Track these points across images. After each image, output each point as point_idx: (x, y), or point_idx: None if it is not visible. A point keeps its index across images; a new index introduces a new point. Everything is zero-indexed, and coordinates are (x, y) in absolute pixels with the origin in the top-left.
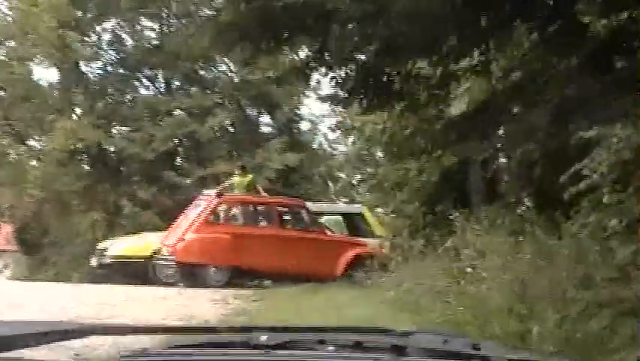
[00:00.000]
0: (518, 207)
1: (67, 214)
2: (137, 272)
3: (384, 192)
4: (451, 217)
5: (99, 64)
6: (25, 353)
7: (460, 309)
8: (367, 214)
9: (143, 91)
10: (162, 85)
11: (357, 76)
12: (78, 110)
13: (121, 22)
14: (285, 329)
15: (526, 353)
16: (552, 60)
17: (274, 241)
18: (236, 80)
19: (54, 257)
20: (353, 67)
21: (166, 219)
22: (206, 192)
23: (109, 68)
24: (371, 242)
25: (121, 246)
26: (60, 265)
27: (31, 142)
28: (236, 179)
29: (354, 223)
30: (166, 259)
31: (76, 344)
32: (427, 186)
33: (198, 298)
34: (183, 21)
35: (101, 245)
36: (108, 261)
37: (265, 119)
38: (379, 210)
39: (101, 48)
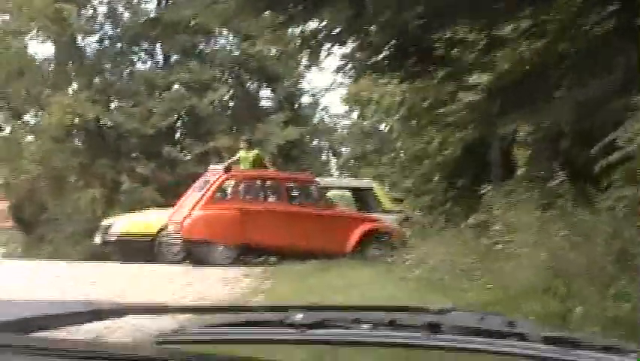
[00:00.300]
0: (547, 181)
1: (64, 191)
2: (141, 250)
3: (400, 167)
4: (479, 192)
5: (96, 37)
6: (60, 333)
7: (489, 287)
8: (377, 189)
9: (140, 65)
10: (160, 59)
11: (398, 42)
12: (75, 85)
13: None
14: (320, 308)
15: (563, 332)
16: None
17: (283, 217)
18: (236, 53)
19: (51, 235)
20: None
21: (166, 195)
22: (212, 167)
23: (106, 42)
24: (382, 218)
25: (126, 223)
26: (57, 242)
27: (27, 118)
28: (241, 154)
29: (363, 199)
30: (172, 237)
31: (95, 325)
32: (448, 160)
33: (208, 277)
34: None
35: (105, 222)
36: (113, 238)
37: (265, 93)
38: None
39: (97, 22)
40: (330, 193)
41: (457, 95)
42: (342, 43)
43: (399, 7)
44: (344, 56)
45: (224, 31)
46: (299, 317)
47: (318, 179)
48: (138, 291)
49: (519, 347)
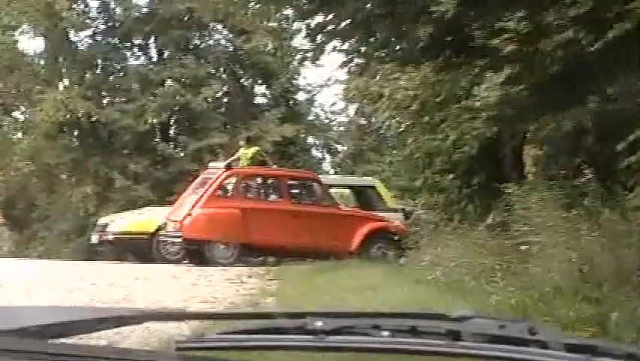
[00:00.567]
0: (568, 180)
1: (56, 188)
2: (139, 249)
3: (411, 164)
4: (494, 190)
5: (88, 32)
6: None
7: (511, 290)
8: (380, 187)
9: (134, 61)
10: (154, 54)
11: (434, 32)
12: (66, 81)
13: None
14: (339, 315)
15: (586, 339)
16: None
17: (285, 216)
18: (231, 49)
19: (42, 233)
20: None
21: (159, 192)
22: (213, 165)
23: (98, 37)
24: (387, 216)
25: (123, 222)
26: (49, 241)
27: (18, 114)
28: (242, 151)
29: (365, 197)
30: (171, 236)
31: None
32: (464, 157)
33: (211, 277)
34: None
35: (101, 221)
36: (110, 237)
37: (260, 89)
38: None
39: (90, 16)
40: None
41: (474, 90)
42: (349, 37)
43: None
44: (352, 51)
45: (219, 27)
46: (318, 323)
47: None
48: (144, 292)
49: (540, 355)
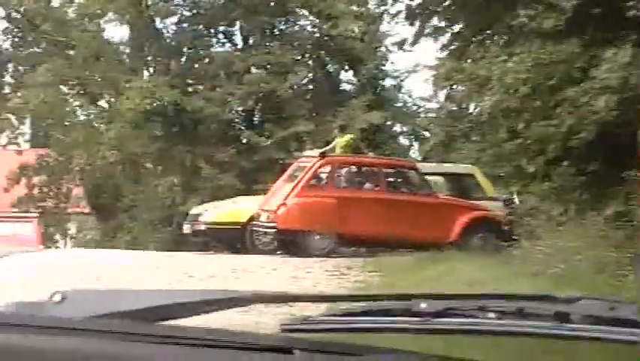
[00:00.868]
0: None
1: (141, 178)
2: (231, 239)
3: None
4: (612, 178)
5: (174, 20)
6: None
7: None
8: (478, 175)
9: (219, 48)
10: (239, 41)
11: (582, 2)
12: (152, 69)
13: None
14: (445, 296)
15: None
16: None
17: (381, 205)
18: (317, 34)
19: (128, 222)
20: None
21: (245, 181)
22: (307, 153)
23: (184, 24)
24: (489, 205)
25: (215, 212)
26: (136, 230)
27: (103, 103)
28: (337, 140)
29: (462, 185)
30: (265, 226)
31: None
32: (580, 143)
33: (310, 269)
34: None
35: (193, 211)
36: (202, 228)
37: (346, 76)
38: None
39: (175, 3)
40: None
41: (591, 72)
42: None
43: None
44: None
45: (305, 12)
46: (423, 305)
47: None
48: (245, 284)
49: None
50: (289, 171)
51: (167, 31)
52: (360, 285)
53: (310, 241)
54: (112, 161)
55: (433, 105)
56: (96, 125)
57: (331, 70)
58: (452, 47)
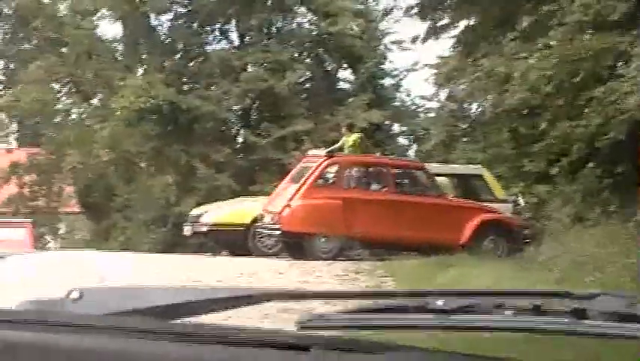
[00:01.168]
0: None
1: (135, 177)
2: (233, 241)
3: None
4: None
5: (169, 16)
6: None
7: None
8: (488, 176)
9: (215, 45)
10: (236, 38)
11: None
12: (146, 67)
13: None
14: (461, 293)
15: None
16: None
17: (389, 207)
18: (315, 32)
19: (122, 223)
20: None
21: (242, 181)
22: (312, 152)
23: (179, 21)
24: (495, 207)
25: (217, 213)
26: (130, 231)
27: (96, 101)
28: (344, 139)
29: (471, 186)
30: (269, 228)
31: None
32: (607, 144)
33: (318, 273)
34: None
35: (194, 212)
36: (204, 229)
37: (344, 74)
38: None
39: (171, 0)
40: None
41: (619, 69)
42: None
43: None
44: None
45: (303, 9)
46: (440, 302)
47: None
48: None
49: None
50: (294, 171)
51: (162, 28)
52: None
53: (316, 243)
54: (105, 160)
55: (433, 105)
56: (89, 123)
57: (329, 68)
58: (462, 44)
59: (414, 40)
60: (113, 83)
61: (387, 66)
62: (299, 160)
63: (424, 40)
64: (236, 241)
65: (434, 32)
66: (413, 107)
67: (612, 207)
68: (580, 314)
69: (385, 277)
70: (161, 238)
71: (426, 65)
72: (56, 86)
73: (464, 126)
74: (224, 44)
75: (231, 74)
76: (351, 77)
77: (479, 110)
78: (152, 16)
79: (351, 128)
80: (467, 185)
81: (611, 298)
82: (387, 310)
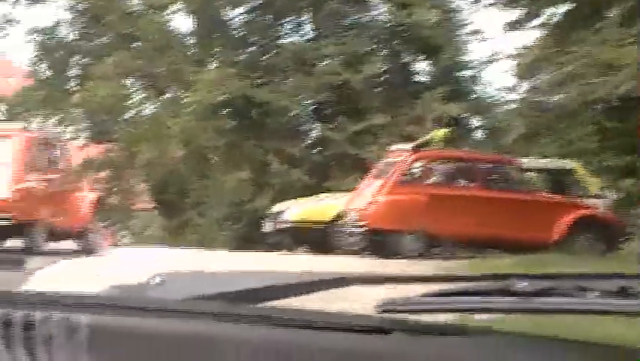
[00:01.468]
0: None
1: (208, 172)
2: (315, 239)
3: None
4: None
5: (242, 9)
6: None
7: None
8: (580, 171)
9: (289, 38)
10: (310, 31)
11: None
12: (220, 61)
13: None
14: (544, 276)
15: None
16: None
17: (477, 203)
18: (391, 23)
19: (195, 219)
20: None
21: (316, 177)
22: (397, 147)
23: (252, 14)
24: (593, 203)
25: (299, 210)
26: (204, 228)
27: (170, 96)
28: (432, 133)
29: (562, 181)
30: (353, 225)
31: None
32: None
33: (412, 273)
34: None
35: (274, 209)
36: (285, 226)
37: (421, 66)
38: None
39: None
40: None
41: None
42: None
43: None
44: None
45: (378, 0)
46: (523, 284)
47: None
48: (350, 290)
49: None
50: (378, 166)
51: (235, 22)
52: None
53: (401, 241)
54: (179, 155)
55: (513, 97)
56: (162, 118)
57: (406, 60)
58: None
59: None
60: (185, 77)
61: (465, 58)
62: (377, 155)
63: (516, 27)
64: (317, 238)
65: (528, 18)
66: (491, 100)
67: None
68: None
69: None
70: (234, 235)
71: (507, 55)
72: (129, 82)
73: (546, 119)
74: (297, 37)
75: (305, 67)
76: (428, 70)
77: (562, 102)
78: (226, 9)
79: (440, 121)
80: (557, 180)
81: None
82: (468, 293)
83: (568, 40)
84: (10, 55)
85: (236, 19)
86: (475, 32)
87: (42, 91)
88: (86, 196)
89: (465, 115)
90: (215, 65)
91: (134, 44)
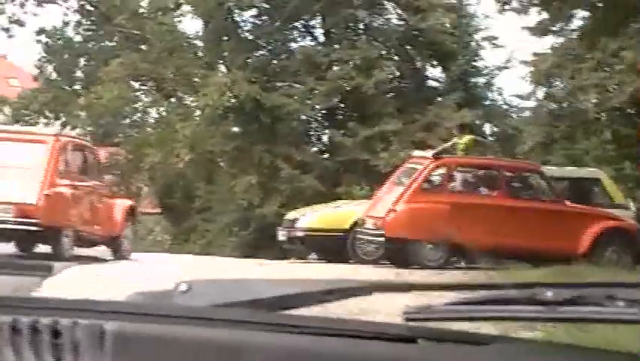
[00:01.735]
0: None
1: (217, 178)
2: (330, 247)
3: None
4: None
5: (253, 12)
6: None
7: None
8: (605, 180)
9: (300, 42)
10: (321, 35)
11: None
12: (229, 64)
13: None
14: (570, 285)
15: None
16: None
17: (500, 212)
18: (404, 28)
19: (202, 225)
20: None
21: (327, 183)
22: (418, 153)
23: (263, 17)
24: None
25: (314, 217)
26: (211, 234)
27: (178, 99)
28: (454, 140)
29: (585, 191)
30: (371, 233)
31: None
32: None
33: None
34: None
35: (289, 216)
36: (300, 234)
37: (434, 72)
38: None
39: None
40: None
41: None
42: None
43: None
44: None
45: (391, 5)
46: (549, 293)
47: None
48: (374, 301)
49: None
50: (397, 173)
51: (245, 25)
52: None
53: (422, 251)
54: (186, 159)
55: (528, 104)
56: (170, 122)
57: (419, 66)
58: (585, 34)
59: (543, 31)
60: (194, 80)
61: (478, 64)
62: (389, 162)
63: (538, 32)
64: (333, 247)
65: (557, 20)
66: (505, 106)
67: None
68: None
69: None
70: (243, 241)
71: (522, 61)
72: (136, 84)
73: (563, 127)
74: (308, 41)
75: (317, 71)
76: (441, 75)
77: (579, 108)
78: (236, 12)
79: (463, 128)
80: (581, 189)
81: None
82: (494, 301)
83: (592, 45)
84: (14, 56)
85: (247, 22)
86: (490, 38)
87: (48, 93)
88: (120, 204)
89: (478, 122)
90: (224, 68)
91: (142, 46)
